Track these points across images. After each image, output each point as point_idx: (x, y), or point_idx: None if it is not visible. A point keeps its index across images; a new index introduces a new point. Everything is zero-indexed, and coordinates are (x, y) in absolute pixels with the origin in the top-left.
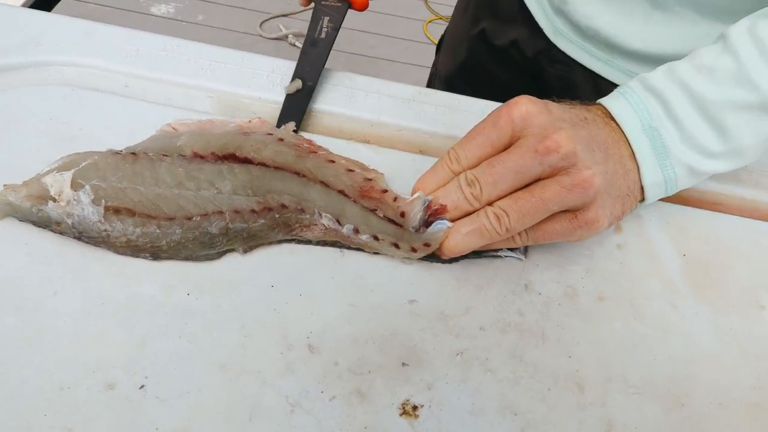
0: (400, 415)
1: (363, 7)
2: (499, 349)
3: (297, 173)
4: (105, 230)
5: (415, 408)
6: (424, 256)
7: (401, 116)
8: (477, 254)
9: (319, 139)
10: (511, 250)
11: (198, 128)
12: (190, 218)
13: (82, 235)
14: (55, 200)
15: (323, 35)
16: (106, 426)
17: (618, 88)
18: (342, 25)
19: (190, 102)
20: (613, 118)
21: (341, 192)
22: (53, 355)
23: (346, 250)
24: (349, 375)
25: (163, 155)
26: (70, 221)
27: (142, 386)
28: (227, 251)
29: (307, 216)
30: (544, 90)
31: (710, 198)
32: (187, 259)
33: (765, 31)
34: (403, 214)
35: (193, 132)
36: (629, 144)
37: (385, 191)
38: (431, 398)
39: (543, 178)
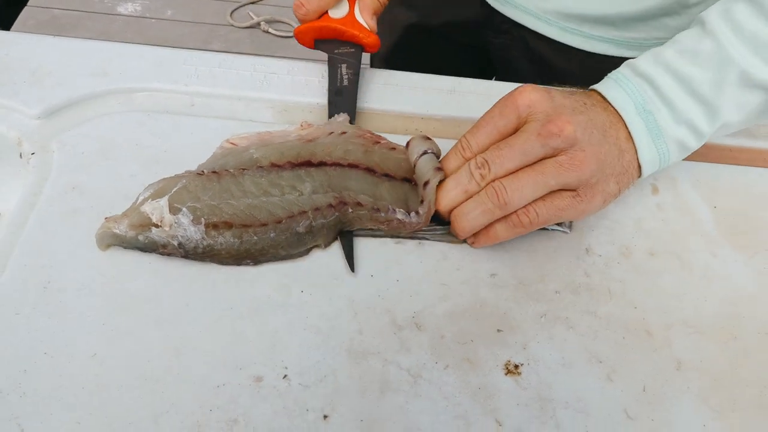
0: (505, 374)
1: (375, 49)
2: (574, 308)
3: (368, 169)
4: (209, 245)
5: (516, 366)
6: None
7: (444, 107)
8: None
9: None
10: (557, 224)
11: (259, 140)
12: (280, 221)
13: (188, 253)
14: (158, 226)
15: (345, 82)
16: (265, 413)
17: (609, 75)
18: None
19: (253, 114)
20: (610, 104)
21: (405, 179)
22: (201, 359)
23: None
24: (455, 345)
25: (242, 169)
26: (175, 242)
27: (285, 376)
28: (313, 247)
29: (383, 214)
30: (485, 63)
31: (735, 153)
32: (283, 259)
33: (738, 14)
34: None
35: (259, 144)
36: (626, 126)
37: None
38: (528, 357)
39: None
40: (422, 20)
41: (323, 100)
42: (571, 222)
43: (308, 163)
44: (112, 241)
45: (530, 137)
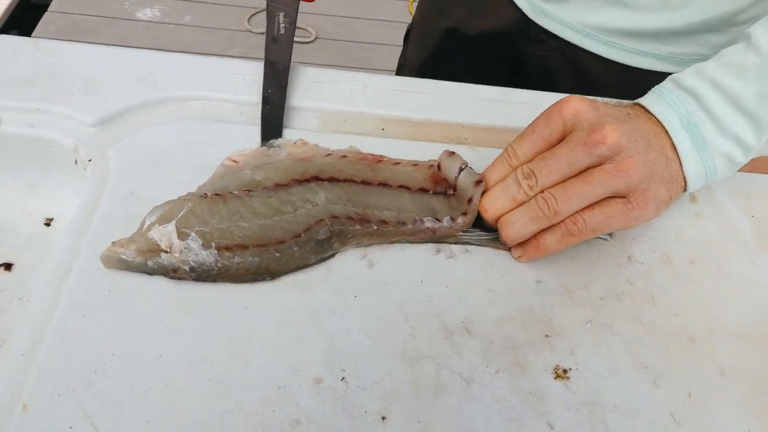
0: (555, 378)
1: None
2: (619, 314)
3: (382, 184)
4: (224, 266)
5: (565, 371)
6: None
7: (491, 116)
8: None
9: (418, 145)
10: None
11: (254, 158)
12: (298, 236)
13: (200, 276)
14: (167, 252)
15: (282, 31)
16: (325, 414)
17: (653, 89)
18: (301, 13)
19: (299, 122)
20: (654, 116)
21: (422, 189)
22: (263, 361)
23: (470, 248)
24: (505, 350)
25: (248, 191)
26: (186, 267)
27: (343, 378)
28: (339, 252)
29: (409, 226)
30: (521, 74)
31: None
32: (314, 264)
33: None
34: (455, 187)
35: (256, 164)
36: (670, 138)
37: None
38: (576, 362)
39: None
40: (457, 29)
41: (365, 109)
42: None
43: (316, 178)
44: (118, 266)
45: (576, 147)
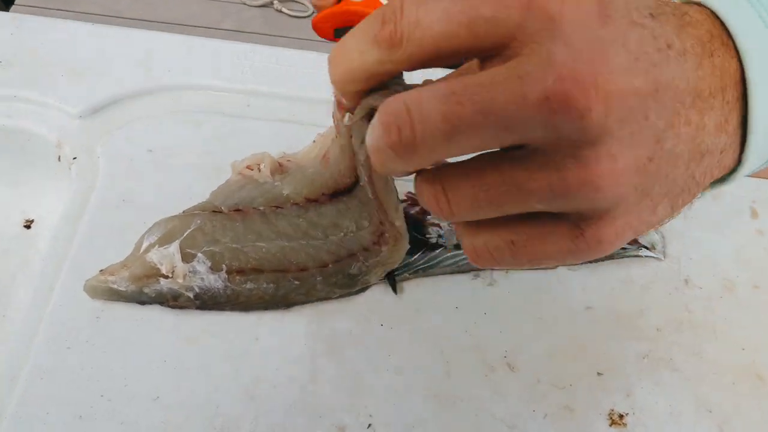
0: (610, 425)
1: None
2: (679, 348)
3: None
4: (234, 292)
5: (621, 417)
6: None
7: None
8: (609, 257)
9: None
10: (647, 248)
11: (282, 167)
12: (326, 266)
13: (205, 303)
14: (167, 277)
15: None
16: None
17: None
18: None
19: (316, 117)
20: (729, 39)
21: None
22: (277, 405)
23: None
24: (552, 390)
25: (275, 207)
26: (191, 294)
27: (370, 425)
28: (369, 286)
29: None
30: None
31: None
32: (338, 298)
33: None
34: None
35: (290, 177)
36: (743, 85)
37: None
38: (632, 405)
39: (534, 144)
40: None
41: None
42: (664, 246)
43: (342, 191)
44: (107, 296)
45: (526, 97)
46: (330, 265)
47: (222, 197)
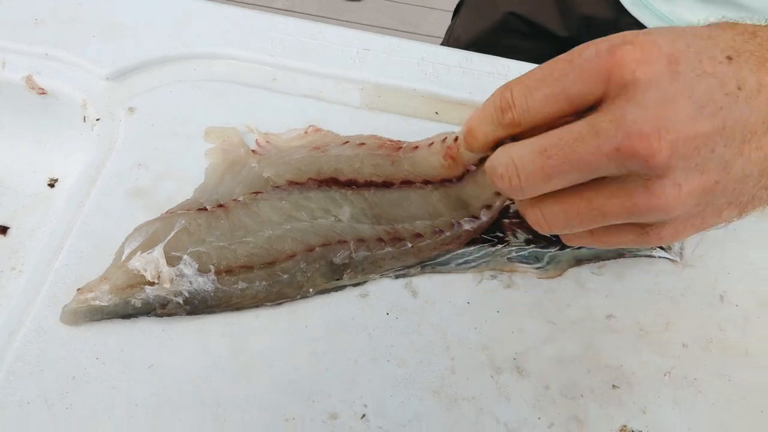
0: None
1: None
2: (705, 368)
3: (405, 182)
4: (225, 293)
5: None
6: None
7: None
8: (619, 254)
9: None
10: (663, 249)
11: (262, 150)
12: (312, 249)
13: (196, 308)
14: (153, 284)
15: None
16: None
17: None
18: None
19: (340, 95)
20: None
21: (444, 180)
22: (269, 384)
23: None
24: (562, 400)
25: (255, 193)
26: (179, 299)
27: (364, 415)
28: (346, 286)
29: (448, 233)
30: None
31: None
32: (315, 295)
33: None
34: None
35: (269, 160)
36: None
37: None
38: (647, 423)
39: (612, 176)
40: (520, 15)
41: (420, 85)
42: (681, 249)
43: (335, 181)
44: (88, 317)
45: (601, 146)
46: (316, 249)
47: (206, 194)
